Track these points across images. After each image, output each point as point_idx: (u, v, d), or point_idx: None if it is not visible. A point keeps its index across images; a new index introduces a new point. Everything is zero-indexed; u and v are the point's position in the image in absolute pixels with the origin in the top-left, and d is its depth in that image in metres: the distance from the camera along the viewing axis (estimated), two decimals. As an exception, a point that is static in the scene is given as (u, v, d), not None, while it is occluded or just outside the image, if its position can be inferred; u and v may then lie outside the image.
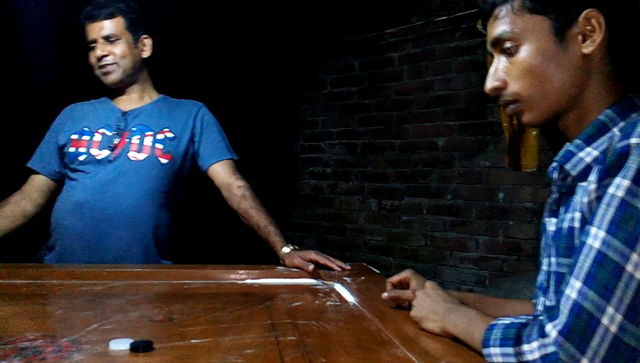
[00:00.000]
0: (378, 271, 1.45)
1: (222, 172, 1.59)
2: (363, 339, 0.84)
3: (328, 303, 1.11)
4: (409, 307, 0.88)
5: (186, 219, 1.81)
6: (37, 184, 1.56)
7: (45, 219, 1.56)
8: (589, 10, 0.68)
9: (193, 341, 0.81)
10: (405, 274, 0.98)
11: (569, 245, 0.68)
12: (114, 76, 1.54)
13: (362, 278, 1.29)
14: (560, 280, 0.68)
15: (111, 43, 1.52)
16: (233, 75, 3.56)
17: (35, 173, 1.58)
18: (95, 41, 1.52)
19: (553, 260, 0.72)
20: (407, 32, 2.95)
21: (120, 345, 0.76)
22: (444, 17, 2.73)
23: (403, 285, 0.99)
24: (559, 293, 0.61)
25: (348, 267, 1.39)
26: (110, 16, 1.52)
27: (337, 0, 3.18)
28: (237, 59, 3.52)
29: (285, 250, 1.45)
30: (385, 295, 0.96)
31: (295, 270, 1.39)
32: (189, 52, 3.12)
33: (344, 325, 0.94)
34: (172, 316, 0.97)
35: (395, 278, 0.99)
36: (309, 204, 3.48)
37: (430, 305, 0.82)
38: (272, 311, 1.02)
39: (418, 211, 2.93)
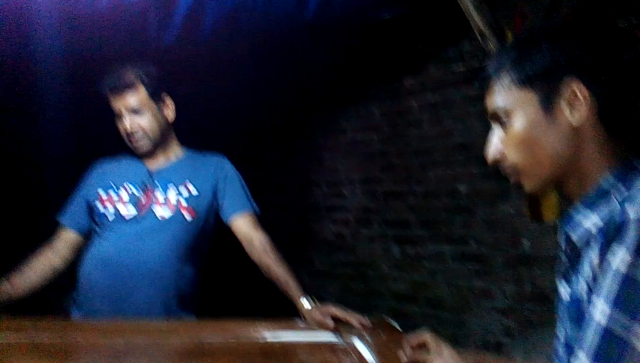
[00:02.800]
0: (398, 327, 1.43)
1: (243, 226, 1.61)
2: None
3: (346, 361, 1.10)
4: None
5: (210, 268, 1.83)
6: (67, 240, 1.61)
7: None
8: (570, 80, 0.70)
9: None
10: (423, 336, 0.97)
11: (579, 317, 0.68)
12: (144, 146, 1.59)
13: (382, 335, 1.28)
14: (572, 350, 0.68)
15: (137, 114, 1.56)
16: (253, 123, 3.65)
17: (65, 227, 1.62)
18: (121, 113, 1.56)
19: (567, 332, 0.71)
20: (425, 81, 2.99)
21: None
22: (461, 69, 2.77)
23: (421, 347, 0.98)
24: None
25: (367, 323, 1.38)
26: (132, 88, 1.54)
27: (357, 49, 3.26)
28: (257, 107, 3.61)
29: (305, 304, 1.45)
30: (402, 356, 0.95)
31: (315, 325, 1.38)
32: (208, 101, 3.21)
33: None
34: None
35: (414, 341, 0.98)
36: (332, 251, 3.47)
37: (448, 371, 0.81)
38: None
39: (442, 258, 2.89)
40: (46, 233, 1.63)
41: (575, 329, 0.68)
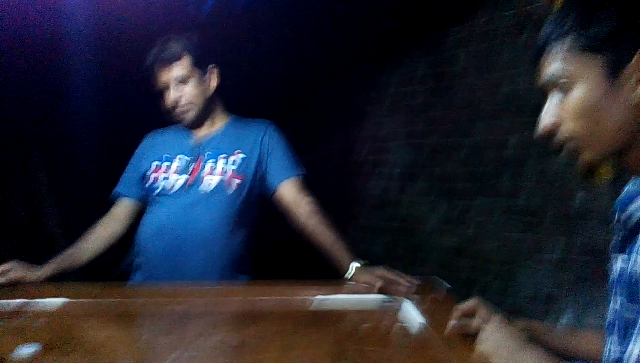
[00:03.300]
0: (448, 287, 1.45)
1: (289, 192, 1.63)
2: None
3: (396, 324, 1.13)
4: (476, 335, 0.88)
5: (264, 233, 1.88)
6: (124, 208, 1.69)
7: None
8: None
9: (265, 373, 0.86)
10: (473, 303, 0.98)
11: (632, 290, 0.66)
12: (190, 116, 1.62)
13: (431, 295, 1.30)
14: (625, 326, 0.67)
15: (182, 84, 1.59)
16: (295, 82, 3.63)
17: (122, 197, 1.70)
18: (166, 85, 1.60)
19: (619, 301, 0.70)
20: (472, 29, 2.87)
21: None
22: (510, 12, 2.64)
23: (470, 314, 0.99)
24: (623, 344, 0.60)
25: (417, 282, 1.40)
26: (177, 58, 1.57)
27: (400, -1, 3.15)
28: (300, 65, 3.58)
29: (354, 266, 1.48)
30: (452, 323, 0.97)
31: (364, 286, 1.42)
32: (250, 64, 3.21)
33: (412, 353, 0.95)
34: (246, 340, 1.03)
35: (463, 307, 0.99)
36: (378, 207, 3.49)
37: (498, 341, 0.82)
38: (341, 336, 1.06)
39: (490, 212, 2.86)
40: (107, 203, 1.72)
41: (628, 305, 0.67)
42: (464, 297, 1.06)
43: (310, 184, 1.70)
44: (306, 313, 1.27)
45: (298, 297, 1.39)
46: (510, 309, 1.19)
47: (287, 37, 3.25)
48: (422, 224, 3.24)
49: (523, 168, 2.71)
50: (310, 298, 1.38)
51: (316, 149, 3.64)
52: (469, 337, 0.95)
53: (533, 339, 0.82)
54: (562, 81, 0.71)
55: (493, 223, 2.85)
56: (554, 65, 0.72)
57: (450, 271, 2.96)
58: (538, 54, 0.75)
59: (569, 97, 0.71)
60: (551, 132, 0.75)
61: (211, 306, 1.33)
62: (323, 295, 1.39)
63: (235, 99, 1.83)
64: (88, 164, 3.37)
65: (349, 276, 1.45)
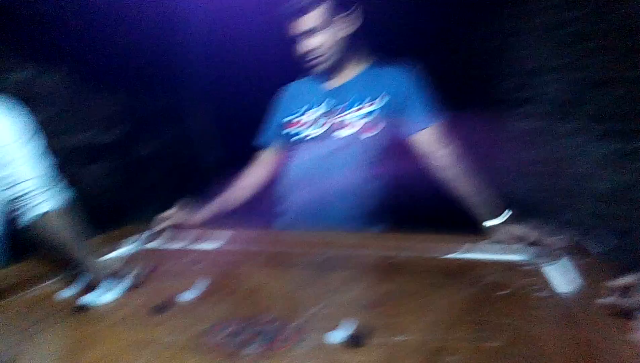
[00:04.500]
0: (596, 250, 1.33)
1: (427, 138, 1.58)
2: (579, 353, 0.81)
3: (537, 293, 1.07)
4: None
5: (401, 184, 1.87)
6: (267, 158, 1.78)
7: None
8: None
9: (399, 338, 0.87)
10: (630, 279, 0.89)
11: None
12: (321, 66, 1.62)
13: (576, 259, 1.20)
14: None
15: (315, 35, 1.58)
16: (437, 16, 3.42)
17: (264, 147, 1.80)
18: (299, 36, 1.60)
19: None
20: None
21: (336, 337, 0.87)
22: None
23: (626, 290, 0.90)
24: None
25: (561, 244, 1.30)
26: (311, 9, 1.55)
27: None
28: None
29: (493, 222, 1.42)
30: (606, 300, 0.89)
31: (504, 245, 1.36)
32: (389, 7, 3.09)
33: (556, 328, 0.90)
34: (382, 300, 1.05)
35: (617, 283, 0.90)
36: (524, 148, 3.26)
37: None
38: (478, 302, 1.03)
39: (656, 155, 2.52)
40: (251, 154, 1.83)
41: None
42: (619, 258, 0.96)
43: (451, 129, 1.63)
44: (443, 270, 1.25)
45: (435, 253, 1.38)
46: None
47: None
48: (573, 167, 2.97)
49: None
50: (447, 254, 1.37)
51: (455, 86, 3.46)
52: (626, 315, 0.87)
53: None
54: None
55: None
56: None
57: (604, 221, 2.70)
58: None
59: None
60: None
61: (349, 256, 1.38)
62: (461, 251, 1.37)
63: (375, 40, 1.77)
64: (237, 112, 3.65)
65: (490, 233, 1.40)
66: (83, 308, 1.04)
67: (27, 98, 2.21)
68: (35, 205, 1.25)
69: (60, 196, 1.30)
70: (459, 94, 3.49)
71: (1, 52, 2.13)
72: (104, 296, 1.10)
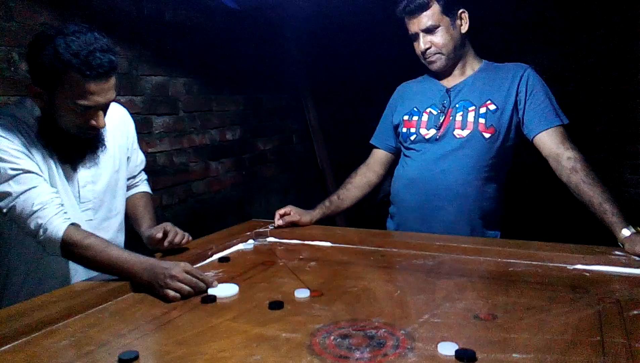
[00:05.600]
0: None
1: (549, 141, 1.51)
2: None
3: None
4: None
5: (515, 190, 1.79)
6: (379, 158, 1.80)
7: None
8: None
9: (515, 355, 0.84)
10: None
11: None
12: (439, 64, 1.61)
13: None
14: None
15: (431, 33, 1.57)
16: (556, 13, 3.17)
17: (377, 148, 1.81)
18: (416, 34, 1.60)
19: None
20: None
21: (447, 349, 0.86)
22: None
23: None
24: None
25: None
26: (425, 8, 1.55)
27: None
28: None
29: (625, 232, 1.30)
30: None
31: (636, 258, 1.25)
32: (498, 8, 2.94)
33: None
34: (496, 313, 1.02)
35: None
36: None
37: None
38: (604, 320, 0.96)
39: None
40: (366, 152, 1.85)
41: None
42: None
43: (573, 134, 1.53)
44: (564, 283, 1.18)
45: (555, 263, 1.31)
46: None
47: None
48: None
49: None
50: (569, 266, 1.28)
51: (578, 100, 3.19)
52: None
53: None
54: None
55: None
56: None
57: None
58: None
59: None
60: None
61: (460, 263, 1.35)
62: (585, 264, 1.28)
63: (486, 42, 1.72)
64: (351, 111, 3.73)
65: (624, 243, 1.29)
66: (210, 299, 1.13)
67: (159, 101, 2.44)
68: (138, 185, 1.64)
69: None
70: (587, 110, 3.19)
71: (140, 60, 2.36)
72: (229, 289, 1.19)
